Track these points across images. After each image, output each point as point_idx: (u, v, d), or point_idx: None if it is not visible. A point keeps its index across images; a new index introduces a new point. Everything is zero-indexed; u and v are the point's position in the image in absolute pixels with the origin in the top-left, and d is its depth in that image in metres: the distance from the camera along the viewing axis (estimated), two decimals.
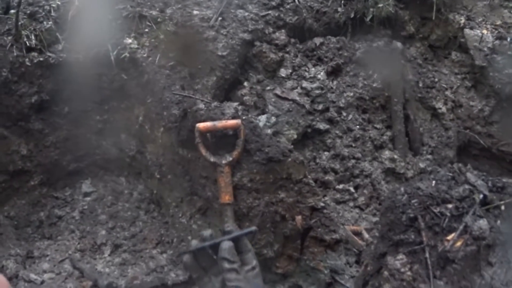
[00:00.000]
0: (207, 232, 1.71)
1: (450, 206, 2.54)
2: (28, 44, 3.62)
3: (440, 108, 4.38)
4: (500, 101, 4.50)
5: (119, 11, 3.87)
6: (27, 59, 3.63)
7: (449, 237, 2.45)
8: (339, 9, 4.46)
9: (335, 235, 3.37)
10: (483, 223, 2.48)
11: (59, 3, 3.84)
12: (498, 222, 2.54)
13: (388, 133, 4.19)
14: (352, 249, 3.55)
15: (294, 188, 3.26)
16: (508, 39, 4.58)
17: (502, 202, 2.62)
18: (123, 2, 3.91)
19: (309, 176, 3.37)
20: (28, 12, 3.76)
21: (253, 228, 1.80)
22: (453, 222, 2.49)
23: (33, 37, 3.63)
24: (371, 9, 4.45)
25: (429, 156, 4.22)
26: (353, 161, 4.06)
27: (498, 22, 4.72)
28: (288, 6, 4.33)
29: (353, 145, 4.10)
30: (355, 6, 4.47)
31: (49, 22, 3.76)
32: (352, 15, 4.47)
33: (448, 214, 2.50)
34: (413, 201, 2.56)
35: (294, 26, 4.37)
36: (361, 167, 4.02)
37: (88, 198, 3.93)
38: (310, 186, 3.31)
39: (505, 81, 4.41)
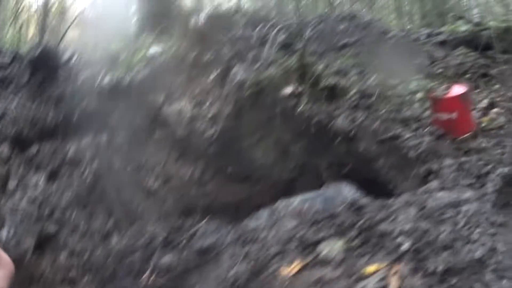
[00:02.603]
0: None
1: None
2: None
3: (152, 186, 4.87)
4: (208, 162, 5.14)
5: None
6: None
7: None
8: (50, 113, 4.81)
9: None
10: None
11: None
12: None
13: (112, 219, 4.64)
14: None
15: None
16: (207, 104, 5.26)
17: None
18: None
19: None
20: None
21: None
22: None
23: None
24: (78, 108, 4.89)
25: None
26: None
27: (197, 91, 5.34)
28: (8, 119, 4.59)
29: (84, 239, 4.48)
30: (63, 108, 4.87)
31: None
32: (61, 117, 4.85)
33: None
34: None
35: (15, 137, 4.70)
36: (92, 261, 4.40)
37: None
38: None
39: (208, 143, 5.05)
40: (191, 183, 5.07)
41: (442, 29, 6.35)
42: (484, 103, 4.59)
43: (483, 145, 3.95)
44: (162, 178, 4.94)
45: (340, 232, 2.94)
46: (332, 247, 2.83)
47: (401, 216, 2.89)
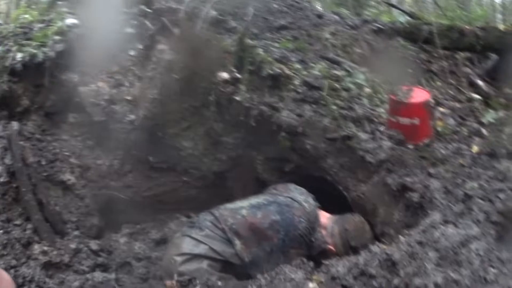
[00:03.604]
0: None
1: None
2: None
3: (69, 179, 4.17)
4: (128, 150, 4.55)
5: None
6: None
7: None
8: None
9: None
10: None
11: None
12: None
13: (30, 225, 3.89)
14: None
15: None
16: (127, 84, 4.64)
17: None
18: None
19: None
20: None
21: None
22: None
23: None
24: None
25: (76, 233, 4.05)
26: (12, 271, 3.67)
27: (116, 69, 4.70)
28: None
29: (5, 253, 3.67)
30: None
31: None
32: None
33: None
34: None
35: None
36: (22, 274, 3.63)
37: None
38: None
39: (128, 129, 4.47)
40: (110, 174, 4.51)
41: (367, 14, 6.16)
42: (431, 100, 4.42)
43: (443, 152, 3.77)
44: (78, 170, 4.30)
45: None
46: None
47: (428, 265, 2.60)
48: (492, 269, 2.60)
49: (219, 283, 2.85)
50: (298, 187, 3.98)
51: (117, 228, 4.51)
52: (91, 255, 3.75)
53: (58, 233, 3.94)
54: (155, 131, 4.60)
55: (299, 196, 3.85)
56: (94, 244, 3.84)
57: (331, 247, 3.74)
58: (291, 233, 3.62)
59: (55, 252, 3.72)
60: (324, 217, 3.88)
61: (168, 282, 2.94)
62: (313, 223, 3.74)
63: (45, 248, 3.72)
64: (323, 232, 3.78)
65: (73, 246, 3.81)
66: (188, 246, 3.56)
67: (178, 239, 3.68)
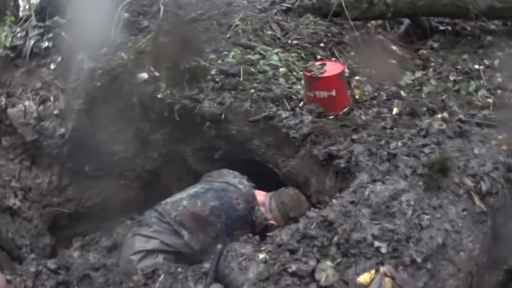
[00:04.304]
0: None
1: None
2: None
3: (14, 204, 4.29)
4: (64, 163, 4.64)
5: None
6: None
7: None
8: None
9: None
10: None
11: None
12: None
13: None
14: None
15: None
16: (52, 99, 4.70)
17: None
18: None
19: None
20: None
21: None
22: None
23: None
24: None
25: (32, 255, 4.11)
26: None
27: (39, 85, 4.75)
28: None
29: None
30: None
31: None
32: None
33: None
34: None
35: None
36: None
37: None
38: None
39: (60, 143, 4.55)
40: (50, 191, 4.60)
41: None
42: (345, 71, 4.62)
43: (363, 117, 3.98)
44: (21, 193, 4.40)
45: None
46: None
47: (363, 221, 2.87)
48: (425, 216, 2.90)
49: (179, 269, 2.99)
50: (231, 171, 4.14)
51: (67, 243, 4.60)
52: (51, 275, 3.82)
53: (15, 259, 4.03)
54: (86, 141, 4.68)
55: (233, 180, 4.01)
56: (51, 264, 3.91)
57: (272, 222, 3.93)
58: (232, 216, 3.79)
59: (18, 279, 3.75)
60: (261, 195, 4.06)
61: (135, 277, 3.06)
62: (251, 202, 3.92)
63: (8, 277, 3.73)
64: (262, 209, 3.97)
65: (32, 269, 3.86)
66: (140, 243, 3.70)
67: (130, 239, 3.80)
